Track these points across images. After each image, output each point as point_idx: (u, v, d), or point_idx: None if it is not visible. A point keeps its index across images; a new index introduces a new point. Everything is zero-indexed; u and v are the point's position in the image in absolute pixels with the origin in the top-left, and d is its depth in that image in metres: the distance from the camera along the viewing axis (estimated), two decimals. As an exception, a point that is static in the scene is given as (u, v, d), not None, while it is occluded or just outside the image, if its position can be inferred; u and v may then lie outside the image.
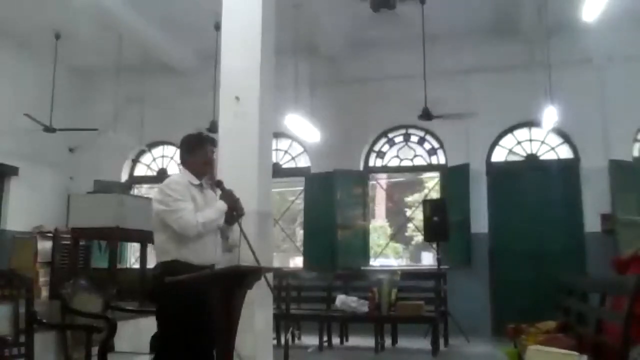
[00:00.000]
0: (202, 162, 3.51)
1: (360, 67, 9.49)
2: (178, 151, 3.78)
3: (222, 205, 3.43)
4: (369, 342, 6.96)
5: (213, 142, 3.61)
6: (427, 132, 9.69)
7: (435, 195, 10.08)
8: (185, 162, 3.54)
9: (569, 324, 4.38)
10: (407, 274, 8.01)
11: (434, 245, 8.54)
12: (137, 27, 8.58)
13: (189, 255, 3.31)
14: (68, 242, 7.43)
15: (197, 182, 3.48)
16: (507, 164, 9.27)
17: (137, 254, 8.25)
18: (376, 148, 9.98)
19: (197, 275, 3.17)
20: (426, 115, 8.60)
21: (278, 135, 9.54)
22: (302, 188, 10.05)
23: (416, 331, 7.54)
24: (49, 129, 8.99)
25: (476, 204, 8.76)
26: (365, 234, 9.73)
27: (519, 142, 9.34)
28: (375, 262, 9.97)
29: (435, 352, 6.59)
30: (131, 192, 10.24)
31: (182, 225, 3.24)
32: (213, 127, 7.81)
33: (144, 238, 6.71)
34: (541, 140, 9.25)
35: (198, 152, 3.50)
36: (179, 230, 3.26)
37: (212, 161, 3.58)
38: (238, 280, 3.18)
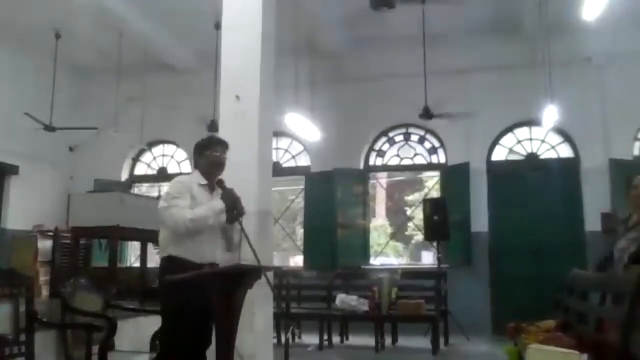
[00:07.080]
0: (208, 163, 3.57)
1: (360, 66, 9.47)
2: (178, 150, 3.82)
3: (217, 204, 3.43)
4: (369, 341, 6.96)
5: (223, 144, 3.64)
6: (428, 131, 9.68)
7: (435, 194, 10.10)
8: (196, 163, 3.67)
9: (569, 323, 4.37)
10: (407, 273, 8.00)
11: (434, 244, 8.54)
12: (137, 27, 8.58)
13: (183, 253, 3.36)
14: (68, 241, 7.42)
15: (204, 182, 3.54)
16: (507, 163, 9.27)
17: (138, 252, 8.25)
18: (376, 147, 9.98)
19: (197, 273, 3.19)
20: (426, 114, 8.61)
21: (278, 134, 9.54)
22: (302, 187, 10.05)
23: (416, 330, 7.54)
24: (49, 128, 8.98)
25: (476, 203, 8.76)
26: (365, 233, 9.73)
27: (519, 141, 9.34)
28: (375, 261, 9.97)
29: (435, 350, 6.60)
30: (131, 191, 10.23)
31: (171, 220, 3.35)
32: (213, 127, 7.82)
33: (144, 237, 6.73)
34: (541, 139, 9.25)
35: (205, 153, 3.58)
36: (170, 226, 3.37)
37: (219, 163, 3.59)
38: (238, 279, 3.19)
